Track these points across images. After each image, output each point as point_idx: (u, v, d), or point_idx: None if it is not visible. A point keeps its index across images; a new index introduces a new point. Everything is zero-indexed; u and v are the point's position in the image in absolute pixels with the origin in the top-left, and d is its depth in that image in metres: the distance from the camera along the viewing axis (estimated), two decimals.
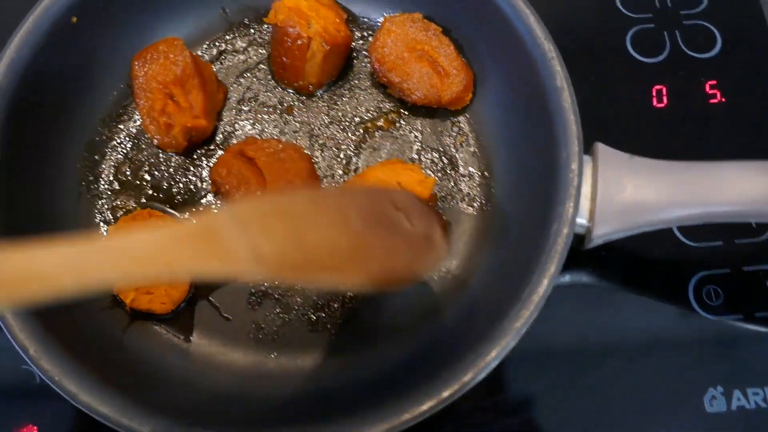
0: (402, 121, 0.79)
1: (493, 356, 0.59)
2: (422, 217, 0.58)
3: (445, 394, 0.58)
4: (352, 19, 0.82)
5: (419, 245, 0.56)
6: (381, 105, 0.80)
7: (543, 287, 0.61)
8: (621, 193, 0.65)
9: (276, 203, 0.53)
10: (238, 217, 0.48)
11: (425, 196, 0.70)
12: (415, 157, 0.78)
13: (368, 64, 0.81)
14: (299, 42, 0.74)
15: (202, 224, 0.47)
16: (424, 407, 0.58)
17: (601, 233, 0.65)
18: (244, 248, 0.46)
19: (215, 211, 0.50)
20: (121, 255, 0.44)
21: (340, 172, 0.77)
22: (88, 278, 0.42)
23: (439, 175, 0.77)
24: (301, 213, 0.52)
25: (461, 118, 0.79)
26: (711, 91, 0.84)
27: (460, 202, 0.76)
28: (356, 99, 0.80)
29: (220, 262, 0.45)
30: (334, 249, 0.51)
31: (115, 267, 0.43)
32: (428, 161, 0.78)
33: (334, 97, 0.80)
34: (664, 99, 0.84)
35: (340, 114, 0.79)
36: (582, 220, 0.65)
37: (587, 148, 0.68)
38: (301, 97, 0.80)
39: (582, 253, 0.73)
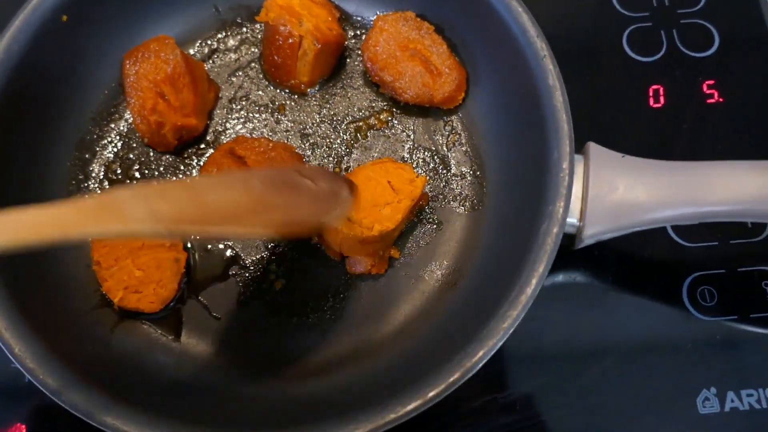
0: (394, 120, 0.78)
1: (480, 356, 0.59)
2: (326, 178, 0.63)
3: (431, 393, 0.58)
4: (345, 18, 0.82)
5: (323, 199, 0.61)
6: (373, 104, 0.79)
7: (531, 287, 0.60)
8: (613, 192, 0.64)
9: (177, 181, 0.60)
10: (137, 190, 0.54)
11: (416, 195, 0.69)
12: (407, 156, 0.77)
13: (361, 63, 0.80)
14: (290, 40, 0.74)
15: (104, 197, 0.54)
16: (410, 407, 0.58)
17: (592, 233, 0.65)
18: (141, 210, 0.51)
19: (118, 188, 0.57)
20: (31, 223, 0.48)
21: (332, 170, 0.77)
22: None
23: (431, 174, 0.76)
24: (201, 183, 0.59)
25: (454, 118, 0.78)
26: (709, 91, 0.83)
27: (451, 202, 0.75)
28: (348, 98, 0.79)
29: (119, 222, 0.50)
30: (233, 204, 0.56)
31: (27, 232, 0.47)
32: (420, 160, 0.77)
33: (327, 96, 0.80)
34: (661, 99, 0.83)
35: (332, 113, 0.79)
36: (573, 220, 0.65)
37: (580, 148, 0.67)
38: (293, 96, 0.79)
39: (575, 253, 0.72)
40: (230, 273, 0.73)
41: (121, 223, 0.50)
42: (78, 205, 0.50)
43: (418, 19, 0.77)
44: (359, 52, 0.81)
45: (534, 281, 0.61)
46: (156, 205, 0.52)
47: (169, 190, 0.55)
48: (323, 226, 0.60)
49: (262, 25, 0.80)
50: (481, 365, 0.59)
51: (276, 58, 0.76)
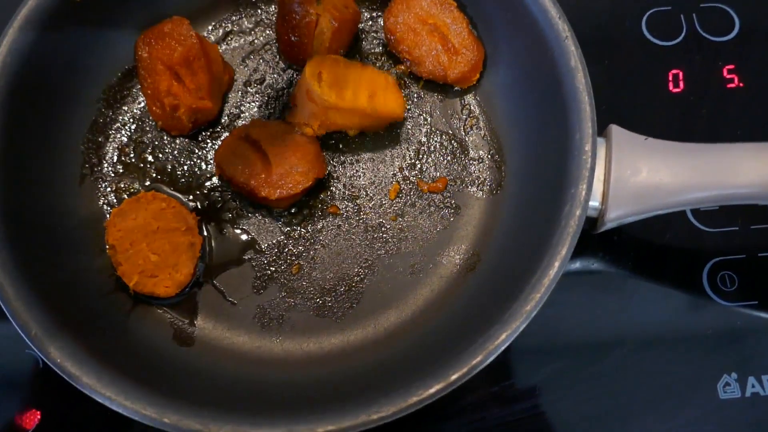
0: (411, 104, 0.77)
1: (502, 339, 0.58)
2: None
3: (454, 376, 0.57)
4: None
5: None
6: None
7: (554, 270, 0.60)
8: (636, 175, 0.63)
9: None
10: None
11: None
12: (425, 139, 0.76)
13: (377, 46, 0.79)
14: (307, 19, 0.73)
15: None
16: (432, 390, 0.57)
17: (615, 216, 0.64)
18: None
19: None
20: None
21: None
22: None
23: (449, 158, 0.76)
24: None
25: (472, 101, 0.77)
26: (729, 76, 0.82)
27: (469, 186, 0.74)
28: None
29: None
30: None
31: None
32: (437, 144, 0.76)
33: None
34: (681, 83, 0.82)
35: None
36: (595, 203, 0.64)
37: (601, 131, 0.67)
38: None
39: (593, 239, 0.72)
40: (246, 257, 0.73)
41: None
42: None
43: None
44: (375, 34, 0.80)
45: (557, 264, 0.60)
46: None
47: None
48: None
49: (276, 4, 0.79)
50: (503, 348, 0.58)
51: (291, 37, 0.75)
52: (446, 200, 0.74)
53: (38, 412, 0.72)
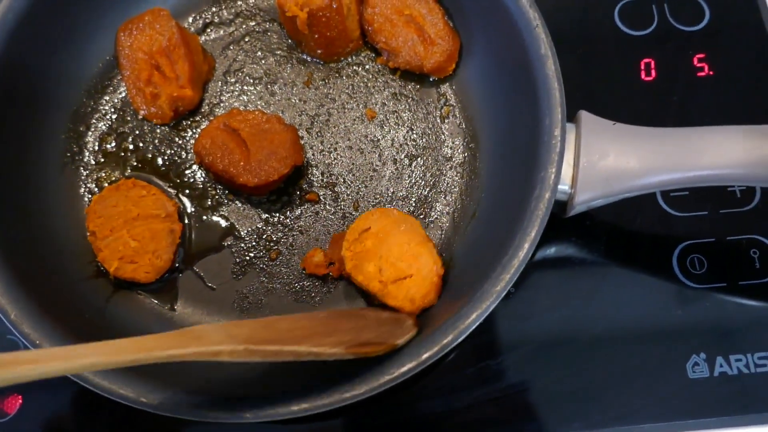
0: (388, 95, 0.79)
1: (473, 318, 0.59)
2: (389, 311, 0.67)
3: (425, 355, 0.59)
4: None
5: (388, 323, 0.65)
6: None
7: (523, 252, 0.61)
8: (604, 159, 0.65)
9: (251, 321, 0.63)
10: (217, 324, 0.62)
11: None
12: (403, 129, 0.77)
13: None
14: (334, 5, 0.74)
15: (187, 329, 0.57)
16: (404, 368, 0.58)
17: (583, 199, 0.65)
18: (220, 334, 0.56)
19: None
20: (126, 349, 0.52)
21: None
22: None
23: (424, 145, 0.77)
24: (272, 318, 0.66)
25: (448, 90, 0.78)
26: (699, 65, 0.84)
27: (446, 173, 0.76)
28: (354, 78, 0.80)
29: (199, 344, 0.54)
30: (303, 328, 0.63)
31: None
32: (415, 134, 0.77)
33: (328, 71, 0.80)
34: (653, 72, 0.84)
35: (328, 86, 0.79)
36: (564, 187, 0.65)
37: (572, 117, 0.68)
38: (287, 69, 0.80)
39: (566, 224, 0.73)
40: (225, 244, 0.74)
41: (201, 345, 0.54)
42: (165, 336, 0.55)
43: None
44: None
45: (526, 245, 0.61)
46: (232, 330, 0.58)
47: (245, 322, 0.62)
48: (387, 348, 0.61)
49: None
50: (474, 327, 0.60)
51: (328, 33, 0.76)
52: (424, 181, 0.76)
53: (20, 397, 0.73)
